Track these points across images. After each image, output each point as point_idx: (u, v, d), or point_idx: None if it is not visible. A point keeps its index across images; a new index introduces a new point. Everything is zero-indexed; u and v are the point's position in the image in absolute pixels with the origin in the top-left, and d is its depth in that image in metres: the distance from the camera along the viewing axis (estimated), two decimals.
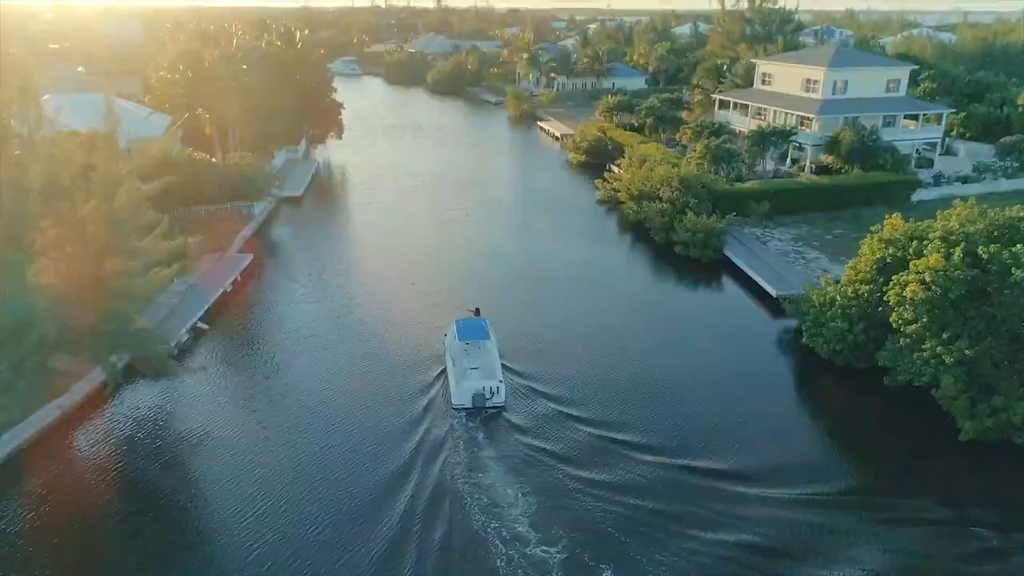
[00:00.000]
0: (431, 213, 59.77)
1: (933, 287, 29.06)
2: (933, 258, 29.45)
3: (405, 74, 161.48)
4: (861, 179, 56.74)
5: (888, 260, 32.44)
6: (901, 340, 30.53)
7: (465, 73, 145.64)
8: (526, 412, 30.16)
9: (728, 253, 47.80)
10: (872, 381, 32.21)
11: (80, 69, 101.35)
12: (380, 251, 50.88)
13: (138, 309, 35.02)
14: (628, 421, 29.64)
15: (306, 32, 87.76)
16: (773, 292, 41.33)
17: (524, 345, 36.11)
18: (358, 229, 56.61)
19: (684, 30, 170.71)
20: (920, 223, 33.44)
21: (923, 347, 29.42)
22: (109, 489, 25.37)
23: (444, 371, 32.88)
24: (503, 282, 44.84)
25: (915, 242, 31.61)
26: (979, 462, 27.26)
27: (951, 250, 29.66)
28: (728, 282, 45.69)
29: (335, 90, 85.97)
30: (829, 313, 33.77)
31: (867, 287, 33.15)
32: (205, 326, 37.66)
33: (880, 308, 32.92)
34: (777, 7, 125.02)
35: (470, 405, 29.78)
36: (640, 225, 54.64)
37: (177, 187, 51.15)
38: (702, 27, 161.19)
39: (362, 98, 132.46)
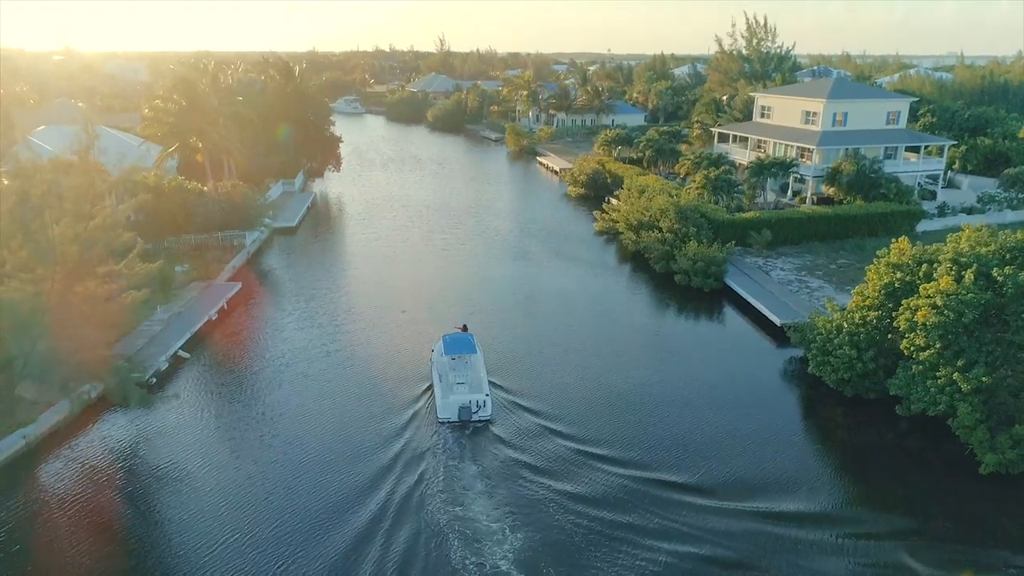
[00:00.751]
0: (427, 243, 58.73)
1: (945, 311, 27.64)
2: (944, 281, 28.11)
3: (406, 112, 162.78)
4: (864, 209, 55.72)
5: (896, 285, 31.07)
6: (913, 368, 28.97)
7: (465, 110, 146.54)
8: (513, 428, 28.57)
9: (729, 282, 46.48)
10: (883, 411, 30.63)
11: (80, 104, 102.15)
12: (372, 280, 49.63)
13: (115, 335, 33.85)
14: (628, 447, 28.07)
15: (304, 66, 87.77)
16: (777, 321, 39.88)
17: (517, 369, 34.79)
18: (351, 259, 55.46)
19: (682, 71, 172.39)
20: (928, 246, 32.17)
21: (937, 374, 27.89)
22: (72, 525, 23.64)
23: (430, 387, 32.37)
24: (498, 309, 43.46)
25: (924, 265, 30.26)
26: (1002, 496, 25.47)
27: (962, 273, 28.36)
28: (730, 311, 44.27)
29: (333, 123, 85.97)
30: (836, 340, 32.27)
31: (875, 313, 31.73)
32: (186, 354, 36.22)
33: (889, 335, 31.45)
34: (775, 46, 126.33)
35: (456, 419, 29.48)
36: (639, 255, 53.49)
37: (166, 215, 50.62)
38: (700, 67, 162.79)
39: (363, 134, 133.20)
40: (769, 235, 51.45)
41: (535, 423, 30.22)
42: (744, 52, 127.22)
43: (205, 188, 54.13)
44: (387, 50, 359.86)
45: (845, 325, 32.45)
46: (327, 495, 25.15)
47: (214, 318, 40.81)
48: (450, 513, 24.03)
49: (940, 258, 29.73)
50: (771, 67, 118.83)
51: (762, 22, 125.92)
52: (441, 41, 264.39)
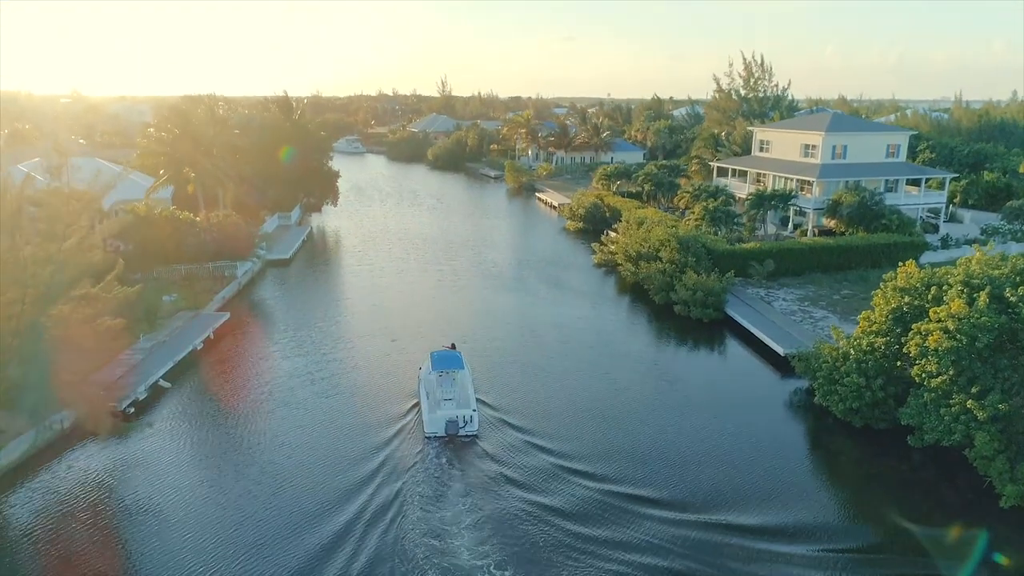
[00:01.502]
0: (422, 274, 57.73)
1: (958, 335, 26.37)
2: (956, 304, 26.89)
3: (407, 151, 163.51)
4: (867, 240, 54.76)
5: (905, 309, 29.85)
6: (925, 395, 27.55)
7: (465, 149, 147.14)
8: (500, 443, 27.03)
9: (731, 312, 45.26)
10: (895, 442, 29.12)
11: (81, 141, 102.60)
12: (364, 310, 48.48)
13: (93, 363, 32.57)
14: (630, 478, 26.46)
15: (304, 101, 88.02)
16: (780, 350, 38.52)
17: (510, 393, 33.49)
18: (344, 290, 54.37)
19: (680, 112, 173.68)
20: (937, 269, 31.04)
21: (951, 402, 26.49)
22: (38, 557, 22.10)
23: (416, 404, 32.19)
24: (493, 338, 42.16)
25: (934, 288, 29.08)
26: None
27: (975, 295, 27.17)
28: (731, 341, 42.94)
29: (332, 157, 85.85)
30: (843, 368, 30.92)
31: (883, 339, 30.43)
32: (167, 384, 34.83)
33: (899, 362, 30.13)
34: (771, 85, 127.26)
35: (443, 433, 29.24)
36: (638, 287, 52.38)
37: (156, 245, 49.72)
38: (699, 109, 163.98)
39: (362, 172, 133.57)
40: (772, 265, 50.40)
41: (521, 439, 29.49)
42: (742, 92, 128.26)
43: (197, 218, 53.32)
44: (390, 94, 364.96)
45: (852, 352, 31.13)
46: (299, 522, 23.73)
47: (199, 347, 39.53)
48: (428, 546, 22.50)
49: (951, 281, 28.55)
50: (768, 106, 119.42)
51: (759, 61, 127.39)
52: (443, 84, 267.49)
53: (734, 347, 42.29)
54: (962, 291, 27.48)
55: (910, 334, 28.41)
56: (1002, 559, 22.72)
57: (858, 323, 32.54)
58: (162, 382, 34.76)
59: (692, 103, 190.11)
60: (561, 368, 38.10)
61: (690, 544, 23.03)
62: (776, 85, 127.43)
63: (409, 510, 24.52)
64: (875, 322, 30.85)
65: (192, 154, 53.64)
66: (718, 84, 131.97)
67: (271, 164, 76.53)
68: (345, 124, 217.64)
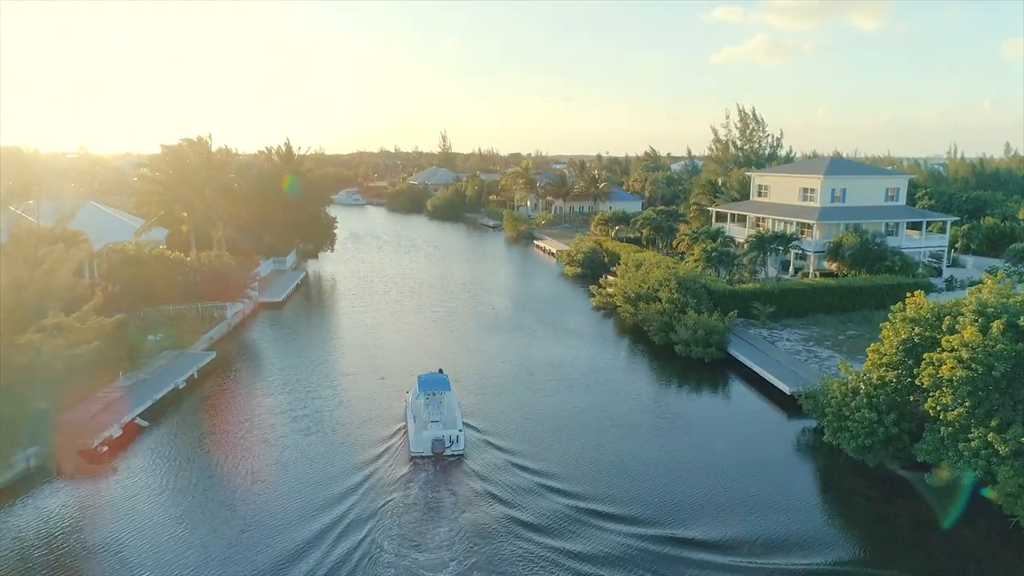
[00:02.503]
0: (417, 316, 56.54)
1: (973, 365, 25.02)
2: (969, 331, 25.62)
3: (406, 203, 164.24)
4: (871, 281, 53.71)
5: (916, 340, 28.52)
6: (942, 430, 26.04)
7: (464, 200, 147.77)
8: (486, 462, 25.28)
9: (733, 352, 43.87)
10: (912, 480, 27.39)
11: (80, 188, 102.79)
12: (355, 350, 47.09)
13: (66, 399, 31.15)
14: (629, 509, 24.71)
15: (307, 150, 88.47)
16: (786, 389, 36.99)
17: (506, 429, 31.77)
18: (336, 331, 53.09)
19: (678, 166, 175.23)
20: (947, 301, 29.87)
21: (969, 436, 24.97)
22: None
23: (402, 428, 32.28)
24: (488, 376, 40.66)
25: (947, 318, 27.82)
26: None
27: (989, 324, 25.91)
28: (734, 381, 41.41)
29: (332, 202, 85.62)
30: (853, 404, 29.39)
31: (894, 372, 29.02)
32: (144, 423, 33.24)
33: (911, 396, 28.70)
34: (765, 136, 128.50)
35: (429, 452, 29.10)
36: (638, 328, 51.09)
37: (144, 284, 48.68)
38: (697, 163, 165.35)
39: (362, 222, 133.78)
40: (774, 305, 49.23)
41: (506, 460, 29.00)
42: (738, 143, 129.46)
43: (187, 258, 52.42)
44: (392, 151, 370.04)
45: (862, 387, 29.68)
46: (265, 558, 22.20)
47: (181, 386, 38.03)
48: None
49: (963, 310, 27.34)
50: (765, 157, 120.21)
51: (752, 114, 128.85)
52: (443, 139, 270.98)
53: (738, 387, 40.76)
54: (976, 319, 26.25)
55: (923, 364, 27.02)
56: None
57: (867, 352, 31.16)
58: (139, 420, 33.17)
59: (691, 157, 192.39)
60: (557, 405, 36.56)
61: None
62: (770, 136, 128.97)
63: (386, 541, 22.85)
64: (885, 354, 29.49)
65: (185, 195, 53.07)
66: (716, 135, 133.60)
67: (268, 210, 76.28)
68: (346, 177, 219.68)
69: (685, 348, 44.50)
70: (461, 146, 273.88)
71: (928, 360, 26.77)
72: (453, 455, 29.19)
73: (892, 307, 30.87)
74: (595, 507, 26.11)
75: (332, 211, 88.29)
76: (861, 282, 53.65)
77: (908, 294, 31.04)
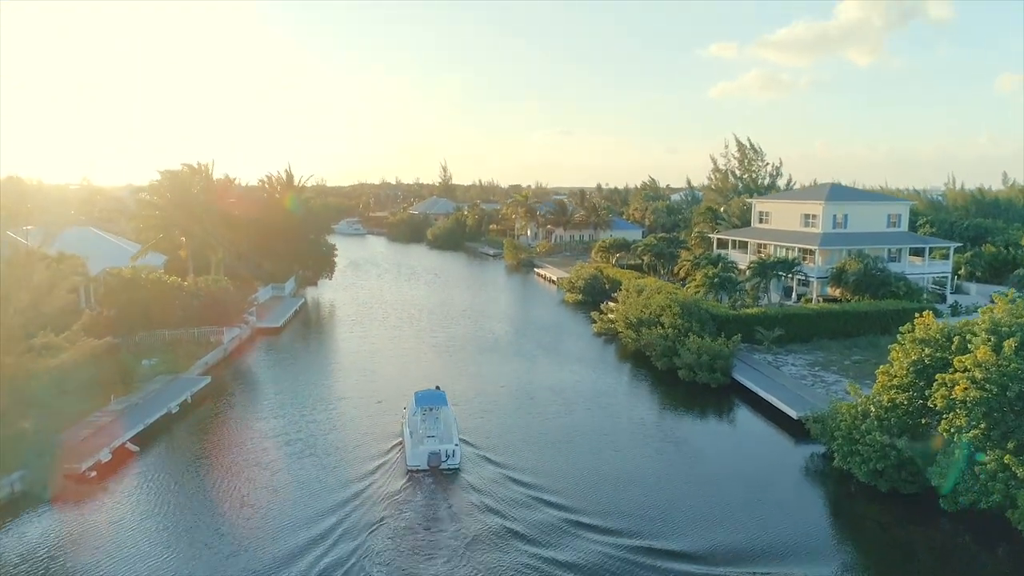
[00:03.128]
0: (417, 341, 55.83)
1: (987, 385, 24.31)
2: (981, 351, 24.96)
3: (407, 232, 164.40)
4: (876, 306, 53.09)
5: (927, 361, 27.83)
6: (957, 453, 25.21)
7: (464, 229, 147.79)
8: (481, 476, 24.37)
9: (738, 377, 43.10)
10: (926, 506, 26.47)
11: (80, 216, 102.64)
12: (352, 375, 46.36)
13: (55, 423, 30.35)
14: (643, 534, 23.77)
15: (305, 178, 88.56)
16: (793, 414, 36.15)
17: (506, 452, 30.80)
18: (333, 356, 52.36)
19: (677, 197, 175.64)
20: (958, 322, 29.26)
21: (986, 459, 24.15)
22: None
23: (399, 443, 32.38)
24: (488, 400, 39.83)
25: (957, 338, 27.19)
26: None
27: (1002, 343, 25.25)
28: (739, 406, 40.56)
29: (333, 231, 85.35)
30: (863, 427, 28.61)
31: (905, 395, 28.27)
32: (135, 447, 32.37)
33: (923, 419, 27.91)
34: (764, 165, 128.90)
35: (425, 466, 29.28)
36: (640, 353, 50.34)
37: (140, 308, 48.07)
38: (698, 194, 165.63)
39: (362, 251, 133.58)
40: (780, 330, 48.57)
41: (503, 474, 28.65)
42: (737, 172, 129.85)
43: (185, 283, 51.89)
44: (393, 183, 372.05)
45: (872, 409, 28.92)
46: None
47: (174, 411, 37.19)
48: None
49: (976, 329, 26.70)
50: (765, 186, 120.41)
51: (750, 144, 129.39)
52: (444, 168, 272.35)
53: (743, 412, 39.90)
54: (989, 338, 25.60)
55: (935, 385, 26.29)
56: None
57: (876, 374, 30.42)
58: (129, 445, 32.31)
59: (691, 188, 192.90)
60: (558, 429, 35.74)
61: None
62: (769, 164, 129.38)
63: (380, 555, 22.02)
64: (895, 376, 28.76)
65: (184, 220, 52.74)
66: (715, 164, 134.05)
67: (267, 237, 76.01)
68: (347, 207, 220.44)
69: (689, 373, 43.74)
70: (462, 178, 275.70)
71: (940, 381, 26.06)
72: (449, 468, 29.45)
73: (901, 328, 30.23)
74: (597, 527, 25.34)
75: (332, 240, 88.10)
76: (866, 307, 53.04)
77: (916, 314, 30.47)
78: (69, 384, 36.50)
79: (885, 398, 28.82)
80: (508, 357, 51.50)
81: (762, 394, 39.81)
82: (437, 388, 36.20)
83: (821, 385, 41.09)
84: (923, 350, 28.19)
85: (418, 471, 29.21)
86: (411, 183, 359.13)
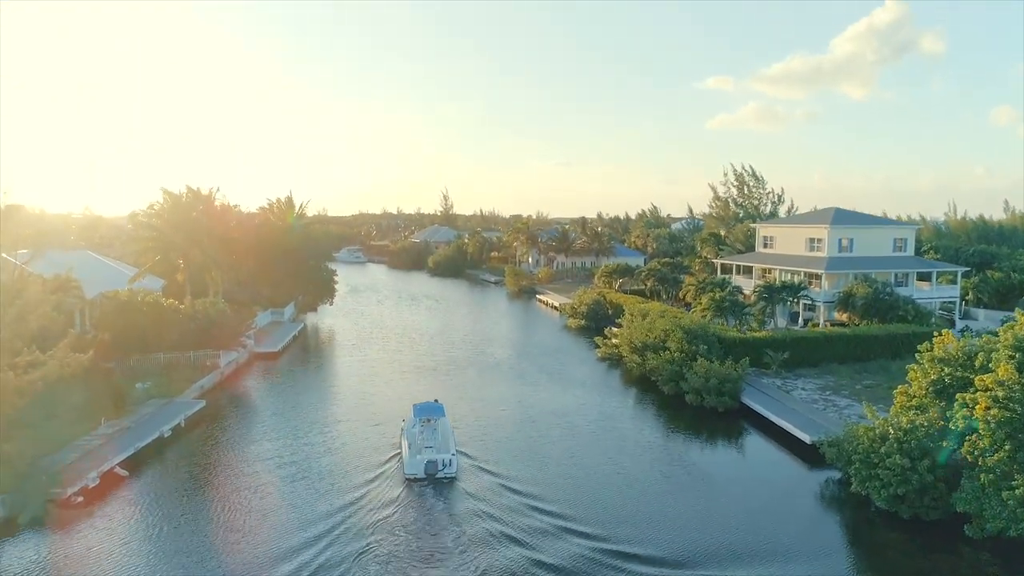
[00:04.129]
0: (416, 365, 54.73)
1: (1011, 404, 23.29)
2: (1003, 369, 24.00)
3: (408, 260, 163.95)
4: (886, 330, 52.07)
5: (947, 380, 26.86)
6: (982, 477, 24.07)
7: (466, 256, 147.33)
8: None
9: (747, 401, 41.95)
10: (952, 533, 25.22)
11: (79, 242, 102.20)
12: (350, 398, 45.27)
13: (42, 446, 29.34)
14: (652, 561, 22.57)
15: (305, 203, 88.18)
16: (807, 439, 34.93)
17: (508, 476, 29.62)
18: (332, 380, 51.23)
19: (679, 225, 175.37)
20: (976, 339, 28.29)
21: (1013, 484, 23.01)
22: None
23: (396, 455, 32.84)
24: (489, 424, 38.66)
25: (980, 356, 26.21)
26: None
27: None
28: (749, 431, 39.36)
29: (334, 259, 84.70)
30: (882, 449, 27.43)
31: (925, 416, 27.21)
32: (124, 472, 31.17)
33: (944, 441, 26.76)
34: (765, 193, 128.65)
35: (422, 475, 29.74)
36: (645, 378, 49.25)
37: (136, 332, 47.14)
38: (699, 222, 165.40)
39: (363, 278, 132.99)
40: (787, 353, 47.54)
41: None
42: (738, 200, 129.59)
43: (182, 306, 50.99)
44: (394, 212, 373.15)
45: (891, 432, 27.78)
46: None
47: (167, 435, 36.04)
48: None
49: (998, 345, 25.74)
50: (766, 214, 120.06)
51: (751, 171, 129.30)
52: (445, 197, 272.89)
53: (753, 437, 38.68)
54: (1012, 356, 24.63)
55: (956, 405, 25.25)
56: None
57: (894, 395, 29.40)
58: (118, 469, 31.11)
59: (692, 216, 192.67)
60: (560, 452, 34.63)
61: None
62: (770, 192, 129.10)
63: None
64: (914, 396, 27.74)
65: (182, 241, 52.01)
66: (715, 192, 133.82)
67: (267, 262, 75.35)
68: (348, 235, 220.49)
69: (696, 397, 42.60)
70: (463, 207, 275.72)
71: (961, 400, 25.02)
72: (446, 477, 29.90)
73: (920, 347, 29.26)
74: (604, 550, 24.14)
75: (332, 268, 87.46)
76: (876, 331, 52.02)
77: (936, 333, 29.53)
78: (58, 407, 35.58)
79: (903, 420, 27.74)
80: (511, 381, 50.40)
81: (773, 418, 38.64)
82: (436, 401, 37.08)
83: (833, 409, 39.93)
84: (943, 369, 27.24)
85: (415, 479, 29.67)
86: (412, 213, 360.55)
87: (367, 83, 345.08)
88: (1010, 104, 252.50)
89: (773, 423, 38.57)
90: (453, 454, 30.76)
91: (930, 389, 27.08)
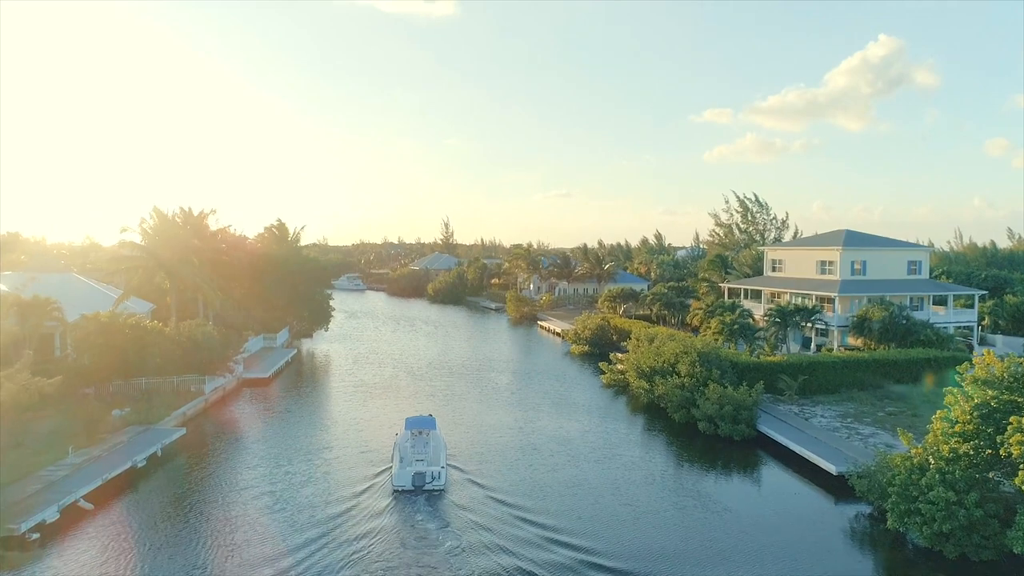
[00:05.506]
0: (414, 391, 52.11)
1: None
2: None
3: (407, 287, 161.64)
4: (906, 354, 49.51)
5: (993, 404, 24.33)
6: None
7: (466, 283, 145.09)
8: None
9: (764, 429, 39.33)
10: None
11: (69, 266, 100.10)
12: (340, 427, 42.56)
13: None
14: None
15: (301, 228, 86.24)
16: (833, 470, 32.25)
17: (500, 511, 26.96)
18: (322, 408, 48.58)
19: (682, 253, 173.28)
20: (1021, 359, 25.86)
21: None
22: None
23: (387, 469, 32.59)
24: (489, 451, 36.02)
25: None
26: None
27: None
28: (767, 460, 36.69)
29: (331, 285, 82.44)
30: (923, 481, 24.82)
31: (969, 443, 24.64)
32: (88, 505, 28.48)
33: (992, 471, 24.21)
34: (770, 219, 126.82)
35: (410, 486, 29.82)
36: (654, 406, 46.65)
37: (116, 355, 44.76)
38: (703, 249, 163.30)
39: (361, 304, 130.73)
40: (803, 378, 44.98)
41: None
42: (741, 225, 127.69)
43: (167, 329, 48.58)
44: (395, 242, 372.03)
45: (932, 461, 25.22)
46: None
47: (141, 465, 33.38)
48: None
49: None
50: (771, 240, 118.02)
51: (753, 198, 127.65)
52: (446, 224, 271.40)
53: (773, 468, 35.97)
54: None
55: (1008, 430, 22.72)
56: None
57: (931, 420, 26.81)
58: (82, 502, 28.44)
59: (697, 244, 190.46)
60: (563, 480, 31.99)
61: None
62: (774, 219, 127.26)
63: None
64: (957, 422, 25.17)
65: (170, 260, 49.74)
66: (717, 219, 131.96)
67: (261, 286, 73.11)
68: (347, 263, 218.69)
69: (709, 425, 39.99)
70: (463, 237, 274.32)
71: (1016, 424, 22.49)
72: (435, 490, 29.84)
73: (958, 367, 26.78)
74: None
75: (333, 296, 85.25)
76: (896, 355, 49.46)
77: (976, 354, 27.06)
78: (25, 435, 32.99)
79: (944, 449, 25.18)
80: (512, 407, 47.79)
81: (794, 447, 35.98)
82: (430, 415, 37.26)
83: (857, 438, 37.26)
84: (987, 392, 24.73)
85: (403, 491, 29.70)
86: (413, 243, 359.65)
87: (368, 114, 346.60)
88: (1004, 136, 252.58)
89: (794, 453, 35.92)
90: (443, 467, 30.97)
91: (975, 415, 24.55)
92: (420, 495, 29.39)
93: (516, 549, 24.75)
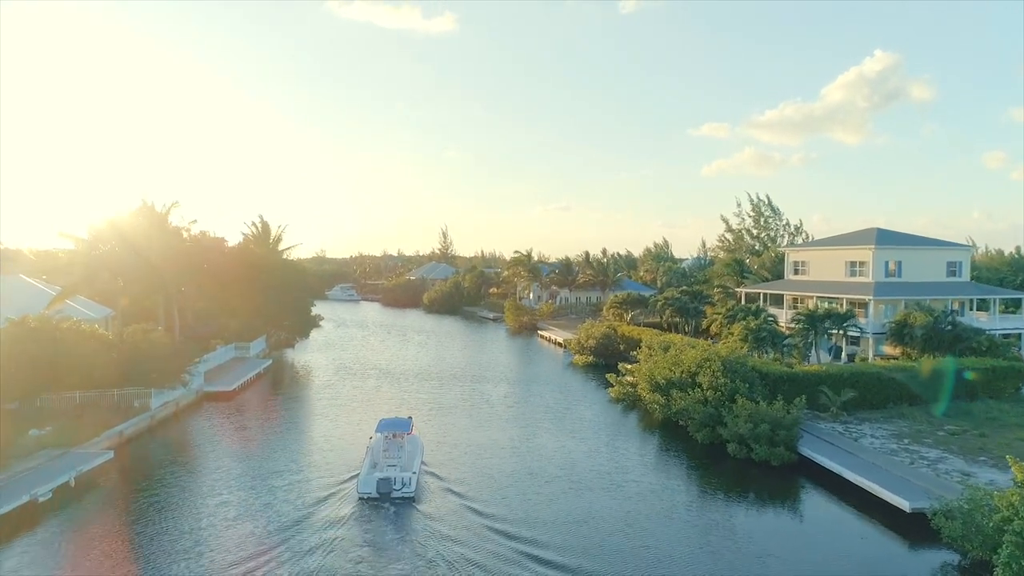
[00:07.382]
0: (399, 406, 45.59)
1: None
2: None
3: (403, 297, 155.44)
4: (961, 364, 42.98)
5: None
6: None
7: (463, 292, 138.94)
8: None
9: (806, 452, 32.90)
10: None
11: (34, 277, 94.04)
12: (303, 446, 36.50)
13: None
14: None
15: (283, 229, 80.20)
16: (906, 506, 25.77)
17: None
18: (290, 426, 42.10)
19: (689, 261, 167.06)
20: None
21: None
22: None
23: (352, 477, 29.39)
24: (485, 475, 29.72)
25: None
26: None
27: None
28: (813, 490, 30.26)
29: (325, 296, 76.34)
30: None
31: None
32: None
33: None
34: (783, 224, 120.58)
35: (375, 493, 27.14)
36: (671, 423, 40.27)
37: (46, 364, 38.42)
38: (706, 259, 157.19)
39: (351, 314, 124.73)
40: (851, 394, 38.66)
41: None
42: (753, 231, 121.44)
43: (110, 335, 42.30)
44: (394, 254, 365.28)
45: None
46: None
47: (43, 498, 27.03)
48: None
49: None
50: (783, 243, 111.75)
51: (767, 201, 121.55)
52: (444, 234, 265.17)
53: (821, 500, 29.51)
54: None
55: None
56: None
57: (1012, 472, 20.40)
58: None
59: (705, 252, 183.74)
60: (567, 510, 25.59)
61: None
62: (787, 223, 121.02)
63: None
64: None
65: (117, 258, 43.53)
66: (727, 224, 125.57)
67: (234, 293, 66.78)
68: (342, 275, 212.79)
69: (740, 448, 33.58)
70: (463, 250, 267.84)
71: None
72: (402, 498, 27.12)
73: None
74: None
75: (324, 306, 79.05)
76: (949, 365, 42.96)
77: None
78: None
79: None
80: (509, 424, 41.42)
81: (848, 475, 29.49)
82: (409, 418, 33.68)
83: (923, 463, 30.76)
84: None
85: (368, 499, 27.01)
86: (411, 255, 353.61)
87: (367, 128, 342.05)
88: (1002, 149, 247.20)
89: (847, 482, 29.46)
90: (414, 472, 28.54)
91: None
92: (387, 503, 26.77)
93: (493, 565, 21.53)
